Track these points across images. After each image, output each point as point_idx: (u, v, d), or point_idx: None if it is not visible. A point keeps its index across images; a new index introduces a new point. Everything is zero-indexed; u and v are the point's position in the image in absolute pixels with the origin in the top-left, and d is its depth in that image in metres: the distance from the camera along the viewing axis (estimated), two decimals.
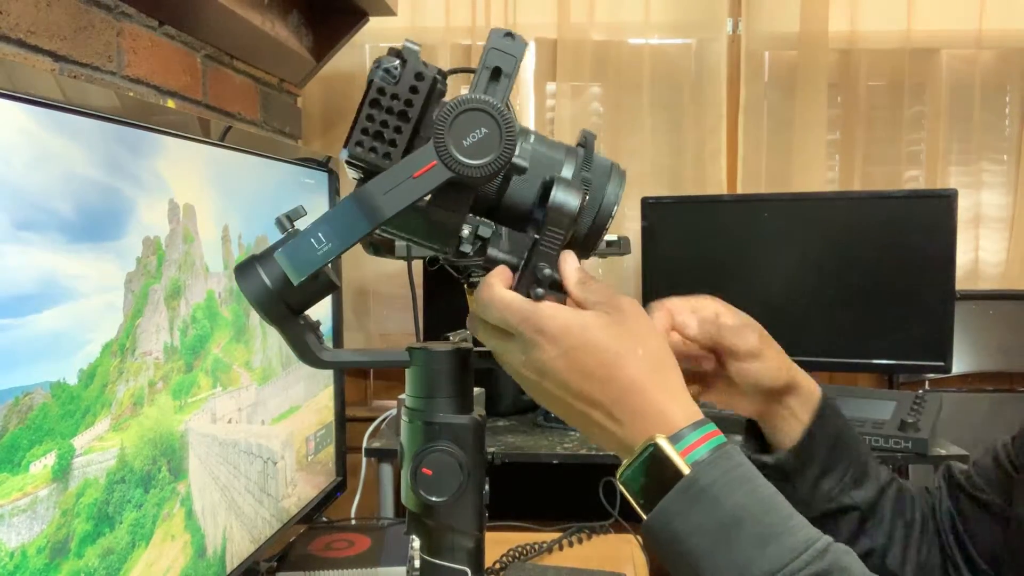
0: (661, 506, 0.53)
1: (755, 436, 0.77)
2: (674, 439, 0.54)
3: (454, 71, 0.64)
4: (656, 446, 0.54)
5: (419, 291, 1.73)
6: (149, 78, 1.28)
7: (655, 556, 0.59)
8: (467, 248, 0.59)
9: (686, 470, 0.53)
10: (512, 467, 1.49)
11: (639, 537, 1.35)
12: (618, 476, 0.56)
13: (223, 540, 0.94)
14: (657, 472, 0.53)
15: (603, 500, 1.41)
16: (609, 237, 0.57)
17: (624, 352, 0.56)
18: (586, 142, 0.61)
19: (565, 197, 0.57)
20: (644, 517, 0.55)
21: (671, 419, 0.55)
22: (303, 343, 0.60)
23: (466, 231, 0.59)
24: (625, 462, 0.55)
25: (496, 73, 0.56)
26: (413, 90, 0.56)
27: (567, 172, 0.60)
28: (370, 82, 0.56)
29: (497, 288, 0.57)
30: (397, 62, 0.56)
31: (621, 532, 1.37)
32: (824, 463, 0.74)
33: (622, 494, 0.56)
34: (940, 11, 2.08)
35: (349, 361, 0.65)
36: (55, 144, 0.66)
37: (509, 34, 0.57)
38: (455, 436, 0.59)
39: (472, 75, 0.57)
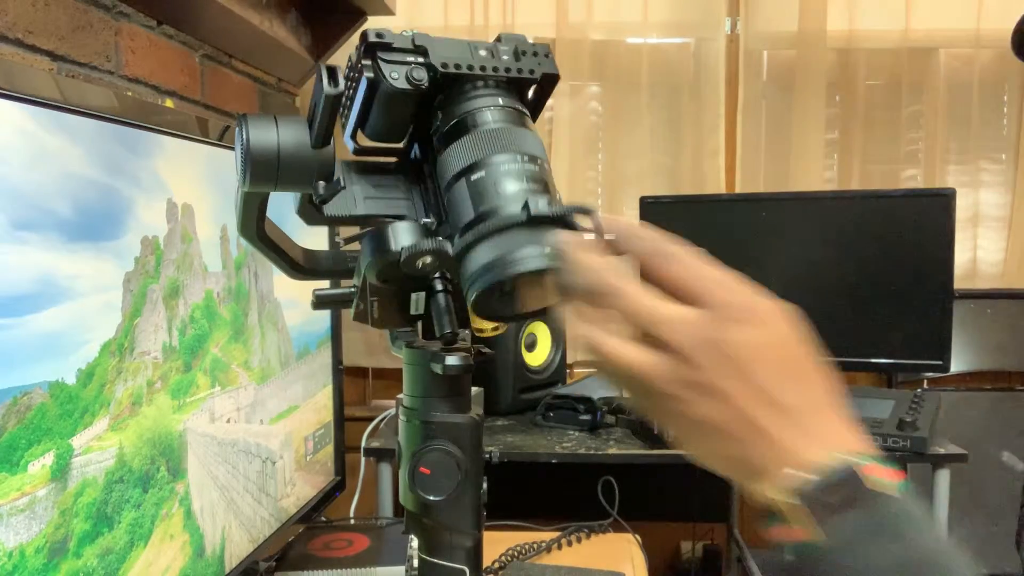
0: (850, 529, 0.43)
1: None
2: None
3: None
4: (861, 464, 0.44)
5: None
6: (147, 78, 1.28)
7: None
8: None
9: (896, 494, 0.43)
10: (511, 466, 1.49)
11: (638, 536, 1.35)
12: (788, 490, 0.44)
13: (222, 540, 0.94)
14: (852, 493, 0.43)
15: (602, 499, 1.41)
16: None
17: (816, 357, 0.46)
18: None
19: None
20: (810, 537, 0.43)
21: (863, 441, 0.45)
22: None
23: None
24: (804, 475, 0.44)
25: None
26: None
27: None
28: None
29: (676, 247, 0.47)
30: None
31: (620, 531, 1.37)
32: None
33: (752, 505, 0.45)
34: (938, 10, 2.09)
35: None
36: (53, 144, 0.66)
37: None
38: (453, 435, 0.58)
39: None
